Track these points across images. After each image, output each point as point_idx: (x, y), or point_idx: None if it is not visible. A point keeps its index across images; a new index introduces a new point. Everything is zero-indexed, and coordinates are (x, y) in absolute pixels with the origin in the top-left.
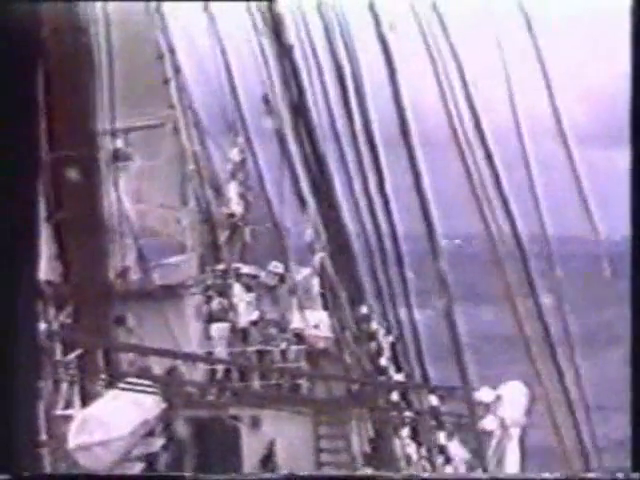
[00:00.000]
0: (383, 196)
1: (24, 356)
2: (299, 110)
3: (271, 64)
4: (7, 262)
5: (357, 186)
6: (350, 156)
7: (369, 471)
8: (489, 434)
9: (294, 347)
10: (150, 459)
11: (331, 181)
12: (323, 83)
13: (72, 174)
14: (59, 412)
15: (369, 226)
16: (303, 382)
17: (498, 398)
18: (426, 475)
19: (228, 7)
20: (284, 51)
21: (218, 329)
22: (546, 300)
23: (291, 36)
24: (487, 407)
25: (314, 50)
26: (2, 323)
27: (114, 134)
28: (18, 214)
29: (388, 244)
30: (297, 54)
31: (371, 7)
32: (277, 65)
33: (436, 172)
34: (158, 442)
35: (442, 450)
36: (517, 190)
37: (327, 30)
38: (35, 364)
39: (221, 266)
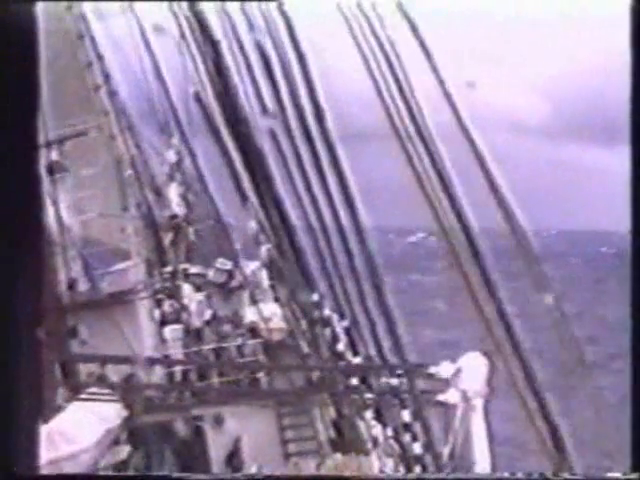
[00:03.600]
0: (324, 185)
1: (24, 355)
2: (230, 105)
3: (198, 60)
4: (8, 263)
5: (295, 175)
6: (286, 146)
7: (338, 456)
8: (452, 407)
9: (250, 342)
10: (119, 467)
11: (269, 172)
12: (252, 76)
13: None
14: None
15: (311, 211)
16: (262, 376)
17: (458, 371)
18: (400, 475)
19: (151, 7)
20: (211, 47)
21: (172, 331)
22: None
23: (217, 31)
24: (447, 381)
25: (240, 43)
26: (2, 322)
27: (48, 146)
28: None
29: (332, 229)
30: (224, 49)
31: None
32: (205, 61)
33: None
34: (125, 450)
35: (407, 428)
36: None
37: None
38: (36, 362)
39: (168, 268)
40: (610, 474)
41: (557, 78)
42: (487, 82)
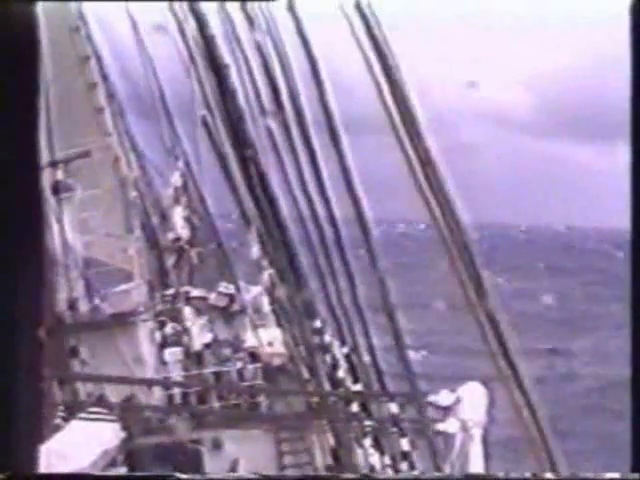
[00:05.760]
0: (328, 207)
1: (24, 354)
2: (237, 128)
3: (206, 84)
4: (7, 262)
5: (300, 200)
6: (291, 170)
7: None
8: (451, 437)
9: (250, 366)
10: None
11: (274, 197)
12: (258, 97)
13: None
14: None
15: (315, 238)
16: (262, 400)
17: (458, 400)
18: (400, 475)
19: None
20: (218, 70)
21: (172, 354)
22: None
23: (224, 55)
24: (447, 410)
25: (248, 65)
26: (3, 321)
27: (54, 165)
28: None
29: (335, 256)
30: (232, 72)
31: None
32: (212, 85)
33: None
34: (121, 472)
35: (405, 457)
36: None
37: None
38: (36, 361)
39: (170, 291)
40: (610, 474)
41: (545, 74)
42: (479, 79)
